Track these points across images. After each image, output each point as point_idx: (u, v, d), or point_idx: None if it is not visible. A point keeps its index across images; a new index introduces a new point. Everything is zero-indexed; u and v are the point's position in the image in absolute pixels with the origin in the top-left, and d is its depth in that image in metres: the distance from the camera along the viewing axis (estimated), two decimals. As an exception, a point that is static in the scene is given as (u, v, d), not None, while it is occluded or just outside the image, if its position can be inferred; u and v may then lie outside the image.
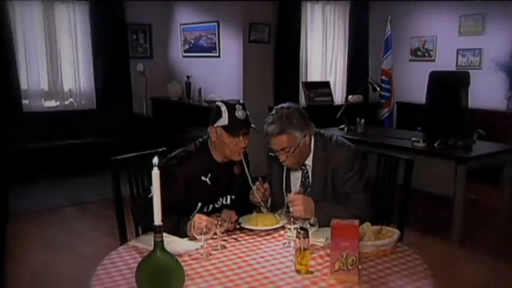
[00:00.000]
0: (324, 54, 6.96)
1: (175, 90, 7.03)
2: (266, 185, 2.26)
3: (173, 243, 1.88)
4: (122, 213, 2.46)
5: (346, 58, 7.10)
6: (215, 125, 2.17)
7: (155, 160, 1.48)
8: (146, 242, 1.89)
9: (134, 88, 7.06)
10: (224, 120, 2.15)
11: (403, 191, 2.61)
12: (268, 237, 2.05)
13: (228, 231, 2.05)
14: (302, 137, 2.16)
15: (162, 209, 1.47)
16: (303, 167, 2.28)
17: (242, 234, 2.07)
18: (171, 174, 2.10)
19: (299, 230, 1.69)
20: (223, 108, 2.16)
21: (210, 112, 2.23)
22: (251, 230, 2.09)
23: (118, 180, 2.42)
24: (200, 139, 2.29)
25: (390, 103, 6.63)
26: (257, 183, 2.24)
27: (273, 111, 2.20)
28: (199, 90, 6.70)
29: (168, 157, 2.22)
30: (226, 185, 2.28)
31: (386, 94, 6.62)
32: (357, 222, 1.68)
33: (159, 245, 1.48)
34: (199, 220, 1.92)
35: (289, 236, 1.99)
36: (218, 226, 1.91)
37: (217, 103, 2.20)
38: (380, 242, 1.85)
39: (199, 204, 2.19)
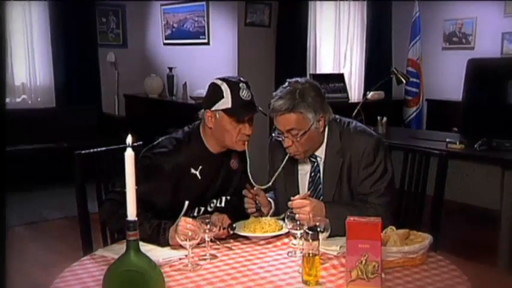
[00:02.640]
0: (337, 40, 6.99)
1: (155, 85, 7.05)
2: (256, 188, 2.26)
3: (151, 252, 1.87)
4: (87, 227, 2.46)
5: (364, 46, 7.14)
6: (213, 108, 2.17)
7: (129, 139, 1.47)
8: (118, 251, 1.87)
9: (104, 83, 7.08)
10: (226, 102, 2.14)
11: (435, 199, 2.62)
12: (269, 245, 2.05)
13: (219, 239, 2.05)
14: (315, 120, 2.17)
15: (138, 206, 1.47)
16: (312, 159, 2.29)
17: (237, 243, 2.07)
18: (156, 166, 2.12)
19: (307, 231, 1.69)
20: (224, 87, 2.16)
21: (204, 99, 2.22)
22: (248, 238, 2.10)
23: (83, 187, 2.43)
24: (189, 125, 2.30)
25: (418, 101, 6.66)
26: (244, 190, 2.25)
27: (285, 84, 2.20)
28: (184, 85, 6.72)
29: (150, 146, 2.23)
30: (221, 182, 2.29)
31: (414, 90, 6.65)
32: (379, 219, 1.68)
33: (133, 245, 1.46)
34: (185, 223, 1.93)
35: (294, 244, 2.00)
36: (207, 231, 1.91)
37: (215, 81, 2.20)
38: (408, 249, 1.84)
39: (186, 203, 2.18)
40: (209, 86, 2.23)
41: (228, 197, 2.32)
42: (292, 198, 2.10)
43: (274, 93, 2.18)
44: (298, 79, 2.22)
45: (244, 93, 2.16)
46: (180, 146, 2.20)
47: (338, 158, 2.22)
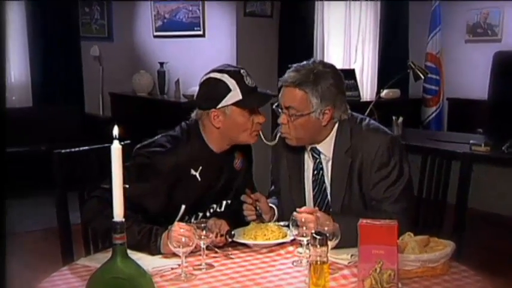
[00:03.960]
0: (347, 32, 7.00)
1: (144, 82, 7.06)
2: (257, 194, 2.28)
3: (140, 260, 1.87)
4: (68, 239, 2.47)
5: (378, 38, 7.15)
6: (220, 106, 2.17)
7: (115, 131, 1.48)
8: (103, 261, 1.87)
9: (86, 80, 7.08)
10: (235, 94, 2.16)
11: (458, 205, 2.63)
12: (271, 254, 2.06)
13: (216, 247, 2.05)
14: (319, 109, 2.18)
15: (127, 208, 1.46)
16: (315, 155, 2.30)
17: (236, 251, 2.08)
18: (151, 166, 2.13)
19: (314, 235, 1.69)
20: (227, 79, 2.17)
21: (200, 96, 2.24)
22: (248, 246, 2.10)
23: (64, 192, 2.45)
24: (184, 122, 2.31)
25: (439, 99, 6.67)
26: (243, 196, 2.27)
27: (310, 60, 2.24)
28: (177, 82, 6.73)
29: (145, 143, 2.23)
30: (223, 185, 2.30)
31: (433, 87, 6.66)
32: (394, 222, 1.68)
33: (120, 250, 1.47)
34: (178, 228, 1.93)
35: (300, 253, 2.01)
36: (202, 237, 1.92)
37: (212, 75, 2.21)
38: (427, 256, 1.84)
39: (183, 207, 2.19)
40: (204, 82, 2.23)
41: (229, 201, 2.33)
42: (298, 209, 2.07)
43: (290, 65, 2.23)
44: (325, 61, 2.28)
45: (248, 80, 2.19)
46: (179, 145, 2.20)
47: (346, 158, 2.23)
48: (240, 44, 6.16)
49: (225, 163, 2.29)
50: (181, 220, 2.19)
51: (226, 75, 2.17)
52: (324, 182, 2.29)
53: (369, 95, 7.05)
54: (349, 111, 2.28)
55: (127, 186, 2.04)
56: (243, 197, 2.28)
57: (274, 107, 2.27)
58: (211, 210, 2.30)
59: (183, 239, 1.87)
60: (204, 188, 2.24)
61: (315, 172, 2.31)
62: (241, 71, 2.21)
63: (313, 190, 2.31)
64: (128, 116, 6.98)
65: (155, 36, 7.24)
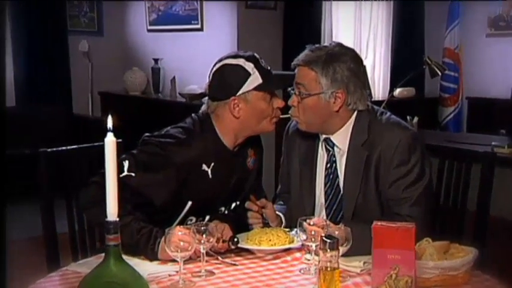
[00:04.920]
0: (357, 25, 7.02)
1: (137, 80, 7.06)
2: (263, 200, 2.28)
3: (135, 266, 1.87)
4: (54, 248, 2.48)
5: (391, 32, 7.16)
6: (240, 92, 2.21)
7: (109, 122, 1.49)
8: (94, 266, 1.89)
9: (75, 78, 7.09)
10: (256, 78, 2.21)
11: (479, 210, 2.62)
12: (277, 261, 2.06)
13: (217, 252, 2.06)
14: (329, 91, 2.21)
15: (128, 201, 1.45)
16: (329, 147, 2.32)
17: (239, 258, 2.08)
18: (164, 157, 2.14)
19: (324, 239, 1.69)
20: (245, 63, 2.21)
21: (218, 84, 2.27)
22: (252, 252, 2.11)
23: (50, 197, 2.46)
24: (195, 114, 2.32)
25: (457, 98, 6.67)
26: (247, 202, 2.28)
27: (331, 43, 2.33)
28: (173, 79, 6.73)
29: (155, 134, 2.25)
30: (234, 185, 2.32)
31: (452, 85, 6.67)
32: (412, 225, 1.69)
33: (114, 252, 1.47)
34: (177, 231, 1.93)
35: (308, 260, 2.00)
36: (202, 241, 1.92)
37: (226, 62, 2.25)
38: (448, 264, 1.84)
39: (189, 203, 2.21)
40: (218, 70, 2.27)
41: (237, 202, 2.35)
42: (307, 221, 2.04)
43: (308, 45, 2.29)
44: (344, 44, 2.32)
45: (264, 63, 2.25)
46: (193, 137, 2.23)
47: (363, 151, 2.24)
48: (241, 39, 6.17)
49: (237, 161, 2.32)
50: (184, 219, 2.22)
51: (242, 60, 2.22)
52: (337, 177, 2.30)
53: (381, 94, 7.07)
54: (369, 102, 2.30)
55: (133, 174, 2.08)
56: (247, 204, 2.29)
57: (289, 89, 2.30)
58: (220, 212, 2.32)
59: (182, 244, 1.87)
60: (214, 187, 2.26)
61: (328, 166, 2.32)
62: (255, 54, 2.26)
63: (325, 186, 2.32)
64: (120, 117, 6.90)
65: (149, 31, 7.25)
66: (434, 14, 7.15)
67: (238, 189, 2.34)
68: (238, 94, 2.21)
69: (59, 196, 2.49)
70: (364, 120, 2.26)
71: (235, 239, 2.09)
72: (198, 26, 6.58)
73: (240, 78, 2.20)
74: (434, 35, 7.11)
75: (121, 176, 1.99)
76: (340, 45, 2.30)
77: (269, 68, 2.26)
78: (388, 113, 2.33)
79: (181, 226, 2.02)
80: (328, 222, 2.10)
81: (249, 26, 6.20)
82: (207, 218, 2.28)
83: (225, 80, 2.24)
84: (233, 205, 2.35)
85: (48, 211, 2.48)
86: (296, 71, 2.25)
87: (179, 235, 1.91)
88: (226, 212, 2.34)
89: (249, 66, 2.20)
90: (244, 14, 6.17)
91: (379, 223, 1.69)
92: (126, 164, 2.09)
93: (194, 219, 2.27)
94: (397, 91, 6.38)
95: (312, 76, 2.20)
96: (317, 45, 2.27)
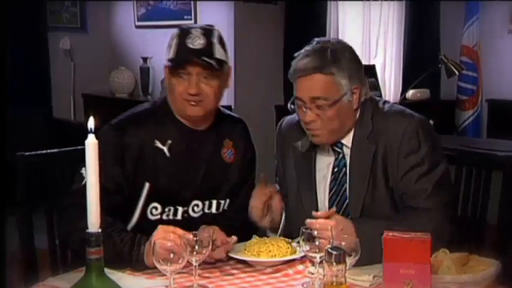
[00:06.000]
0: (366, 21, 7.02)
1: (124, 81, 7.05)
2: (274, 186, 2.28)
3: (120, 281, 1.85)
4: (32, 264, 2.46)
5: (403, 29, 7.15)
6: (164, 63, 2.31)
7: (90, 123, 1.48)
8: (74, 280, 1.87)
9: (55, 78, 7.08)
10: (171, 52, 2.27)
11: (500, 221, 2.61)
12: (277, 274, 2.05)
13: (210, 264, 2.06)
14: (349, 89, 2.21)
15: (106, 210, 1.46)
16: (337, 149, 2.31)
17: (235, 271, 2.07)
18: (108, 141, 2.19)
19: (329, 250, 1.68)
20: (174, 34, 2.29)
21: None
22: (250, 264, 2.10)
23: (28, 207, 2.44)
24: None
25: (476, 101, 6.67)
26: (256, 187, 2.28)
27: (312, 43, 2.26)
28: (163, 81, 6.69)
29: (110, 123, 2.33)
30: (206, 175, 2.33)
31: (470, 87, 6.67)
32: (427, 236, 1.68)
33: (96, 266, 1.47)
34: (164, 232, 1.94)
35: (311, 273, 1.99)
36: (195, 253, 1.90)
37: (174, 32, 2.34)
38: (467, 278, 1.83)
39: (147, 185, 2.24)
40: None
41: (221, 201, 2.35)
42: (313, 213, 2.09)
43: (296, 54, 2.25)
44: (331, 39, 2.34)
45: (193, 41, 2.24)
46: (142, 115, 2.32)
47: (369, 144, 2.25)
48: (239, 36, 6.17)
49: (204, 145, 2.34)
50: (146, 206, 2.25)
51: (177, 30, 2.30)
52: (345, 182, 2.30)
53: (392, 96, 7.05)
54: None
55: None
56: (255, 191, 2.28)
57: (291, 107, 2.29)
58: (197, 209, 2.32)
59: (171, 255, 1.85)
60: (176, 168, 2.29)
61: (335, 170, 2.32)
62: (196, 30, 2.27)
63: (330, 192, 2.32)
64: (105, 121, 6.96)
65: (137, 27, 7.25)
66: (451, 9, 7.15)
67: (215, 184, 2.35)
68: (164, 65, 2.31)
69: (37, 206, 2.47)
70: (367, 112, 2.28)
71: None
72: (191, 22, 6.55)
73: (168, 48, 2.29)
74: (450, 31, 7.12)
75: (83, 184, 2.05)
76: (327, 40, 2.31)
77: (197, 46, 2.24)
78: (391, 102, 2.36)
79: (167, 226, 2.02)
80: (334, 209, 2.15)
81: (247, 22, 6.23)
82: (180, 210, 2.29)
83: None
84: (214, 202, 2.34)
85: (26, 223, 2.45)
86: (302, 82, 2.21)
87: (168, 246, 1.89)
88: (206, 209, 2.34)
89: (174, 38, 2.28)
90: (242, 9, 6.19)
91: (390, 233, 1.68)
92: (83, 170, 2.12)
93: (159, 207, 2.28)
94: (410, 93, 6.39)
95: (330, 81, 2.19)
96: (306, 49, 2.23)
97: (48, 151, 2.59)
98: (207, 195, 2.34)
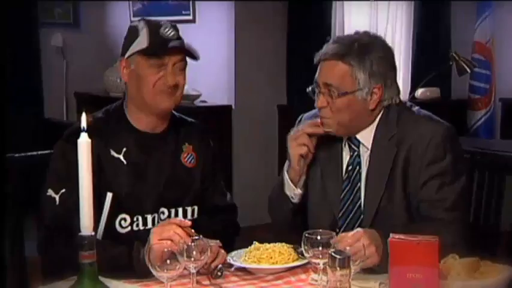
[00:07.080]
0: (373, 16, 7.03)
1: (119, 80, 7.04)
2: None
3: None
4: (22, 274, 2.45)
5: (412, 24, 7.16)
6: (127, 54, 2.29)
7: (83, 120, 1.49)
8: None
9: (47, 77, 7.13)
10: (142, 41, 2.26)
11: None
12: (279, 282, 2.06)
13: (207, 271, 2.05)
14: (366, 87, 2.23)
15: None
16: (354, 146, 2.33)
17: (235, 278, 2.08)
18: (64, 153, 2.22)
19: (333, 255, 1.69)
20: (141, 25, 2.29)
21: None
22: (250, 272, 2.10)
23: (19, 214, 2.46)
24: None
25: (489, 100, 6.64)
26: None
27: (351, 33, 2.34)
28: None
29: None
30: (168, 181, 2.33)
31: (483, 85, 6.64)
32: (435, 239, 1.68)
33: (89, 271, 1.49)
34: (160, 234, 1.97)
35: (315, 280, 2.00)
36: (193, 259, 1.91)
37: (133, 23, 2.35)
38: (478, 283, 1.84)
39: (109, 195, 2.25)
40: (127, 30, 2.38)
41: (188, 208, 2.35)
42: (340, 234, 2.05)
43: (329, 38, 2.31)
44: (370, 33, 2.36)
45: (166, 31, 2.27)
46: (94, 124, 2.26)
47: (391, 146, 2.27)
48: (239, 31, 6.21)
49: (162, 148, 2.36)
50: (112, 217, 2.25)
51: (142, 22, 2.31)
52: (359, 180, 2.32)
53: (402, 95, 7.02)
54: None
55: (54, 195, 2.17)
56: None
57: (309, 89, 2.32)
58: (163, 216, 2.32)
59: (168, 262, 1.85)
60: (136, 176, 2.30)
61: (349, 168, 2.34)
62: (165, 22, 2.31)
63: (343, 190, 2.33)
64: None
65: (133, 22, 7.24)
66: (462, 6, 7.13)
67: (178, 190, 2.36)
68: (126, 56, 2.29)
69: (29, 213, 2.50)
70: (393, 114, 2.30)
71: (219, 271, 2.06)
72: (190, 17, 6.60)
73: (130, 39, 2.29)
74: (462, 27, 7.10)
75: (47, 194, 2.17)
76: (367, 33, 2.35)
77: (172, 37, 2.27)
78: (418, 107, 2.38)
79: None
80: (361, 231, 2.07)
81: (248, 17, 6.24)
82: (149, 218, 2.30)
83: (124, 40, 2.35)
84: (180, 210, 2.35)
85: (17, 230, 2.46)
86: (322, 66, 2.27)
87: (164, 252, 1.89)
88: (173, 216, 2.33)
89: (142, 29, 2.27)
90: (243, 4, 6.20)
91: (396, 236, 1.68)
92: (50, 191, 2.20)
93: (128, 218, 2.29)
94: (419, 92, 6.38)
95: (346, 71, 2.22)
96: (341, 36, 2.30)
97: (40, 152, 2.60)
98: (172, 202, 2.35)
